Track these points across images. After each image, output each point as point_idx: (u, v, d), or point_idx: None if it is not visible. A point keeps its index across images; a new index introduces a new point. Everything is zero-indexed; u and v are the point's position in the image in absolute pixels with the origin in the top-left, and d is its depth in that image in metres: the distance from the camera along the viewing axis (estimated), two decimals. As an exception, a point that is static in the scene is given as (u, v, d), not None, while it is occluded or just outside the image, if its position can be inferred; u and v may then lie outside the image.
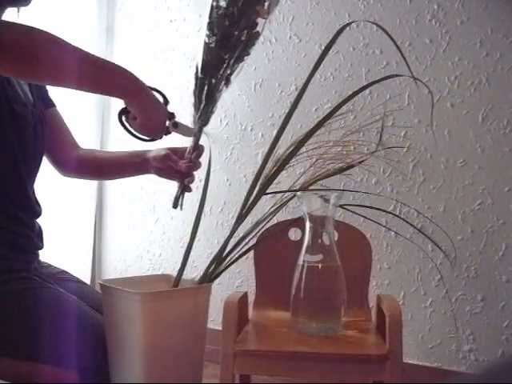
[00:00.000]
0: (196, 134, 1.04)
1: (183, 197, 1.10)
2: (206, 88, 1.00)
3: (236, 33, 0.98)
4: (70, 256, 2.03)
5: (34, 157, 1.10)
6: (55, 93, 1.25)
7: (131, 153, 1.19)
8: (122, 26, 2.17)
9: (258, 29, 1.01)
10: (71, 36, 2.11)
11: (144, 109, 0.95)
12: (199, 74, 1.01)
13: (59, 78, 0.89)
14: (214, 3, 0.99)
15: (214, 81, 1.00)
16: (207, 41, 0.99)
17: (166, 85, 2.01)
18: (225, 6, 0.97)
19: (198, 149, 1.07)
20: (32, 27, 0.84)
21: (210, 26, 0.99)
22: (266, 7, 0.98)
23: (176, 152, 1.10)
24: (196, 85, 1.01)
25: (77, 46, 0.89)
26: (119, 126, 1.00)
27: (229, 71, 1.00)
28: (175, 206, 1.08)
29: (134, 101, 0.95)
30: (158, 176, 1.15)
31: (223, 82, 1.01)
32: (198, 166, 1.09)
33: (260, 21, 1.01)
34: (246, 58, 1.02)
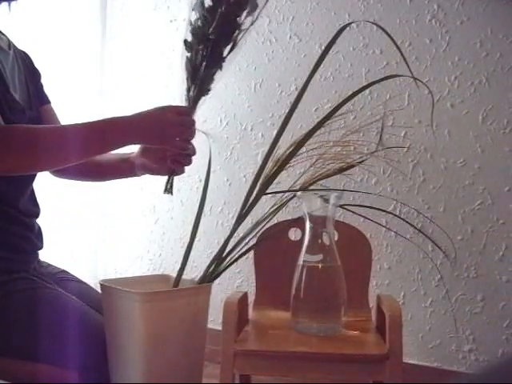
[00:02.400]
0: None
1: (173, 181, 1.06)
2: (187, 64, 0.98)
3: (220, 9, 0.96)
4: (70, 256, 2.03)
5: None
6: (53, 89, 1.25)
7: (119, 156, 1.17)
8: (122, 26, 2.17)
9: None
10: (71, 36, 2.10)
11: (155, 132, 0.96)
12: (184, 52, 0.99)
13: (71, 160, 0.97)
14: None
15: (199, 58, 0.98)
16: (190, 18, 0.98)
17: (166, 85, 2.02)
18: None
19: None
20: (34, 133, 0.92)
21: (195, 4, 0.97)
22: None
23: None
24: (184, 64, 0.99)
25: (72, 125, 0.94)
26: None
27: (219, 48, 0.98)
28: (166, 191, 1.06)
29: (146, 135, 0.96)
30: (149, 173, 1.12)
31: (212, 61, 0.98)
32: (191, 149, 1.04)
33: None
34: (238, 35, 0.99)
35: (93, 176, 1.23)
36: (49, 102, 1.21)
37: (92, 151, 0.97)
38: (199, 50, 0.97)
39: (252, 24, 0.98)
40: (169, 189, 1.04)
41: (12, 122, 1.00)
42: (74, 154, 0.94)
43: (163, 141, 0.96)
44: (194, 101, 1.00)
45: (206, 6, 0.96)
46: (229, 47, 0.99)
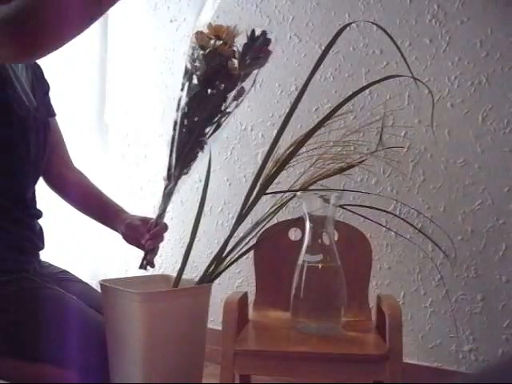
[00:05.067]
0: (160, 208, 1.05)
1: (148, 260, 1.10)
2: (172, 143, 1.00)
3: (207, 93, 0.97)
4: (70, 256, 2.03)
5: (35, 160, 1.10)
6: (54, 89, 1.26)
7: (111, 204, 1.19)
8: (122, 26, 2.17)
9: (243, 85, 0.99)
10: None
11: None
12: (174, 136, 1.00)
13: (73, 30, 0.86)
14: (189, 65, 0.98)
15: (184, 138, 0.99)
16: (181, 102, 0.99)
17: (166, 85, 2.02)
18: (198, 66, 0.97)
19: (159, 224, 1.09)
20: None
21: (184, 87, 0.99)
22: (235, 64, 0.97)
23: (147, 223, 1.13)
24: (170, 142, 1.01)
25: None
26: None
27: (203, 130, 0.99)
28: (141, 266, 1.09)
29: None
30: (125, 241, 1.17)
31: (195, 142, 0.99)
32: (158, 241, 1.10)
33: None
34: (222, 118, 1.00)
35: (81, 205, 1.26)
36: (54, 115, 1.23)
37: (89, 13, 0.84)
38: (184, 131, 0.99)
39: (237, 107, 0.99)
40: (144, 265, 1.08)
41: (19, 116, 1.01)
42: (73, 21, 0.84)
43: None
44: (175, 178, 1.02)
45: (194, 90, 0.96)
46: (212, 129, 1.00)
